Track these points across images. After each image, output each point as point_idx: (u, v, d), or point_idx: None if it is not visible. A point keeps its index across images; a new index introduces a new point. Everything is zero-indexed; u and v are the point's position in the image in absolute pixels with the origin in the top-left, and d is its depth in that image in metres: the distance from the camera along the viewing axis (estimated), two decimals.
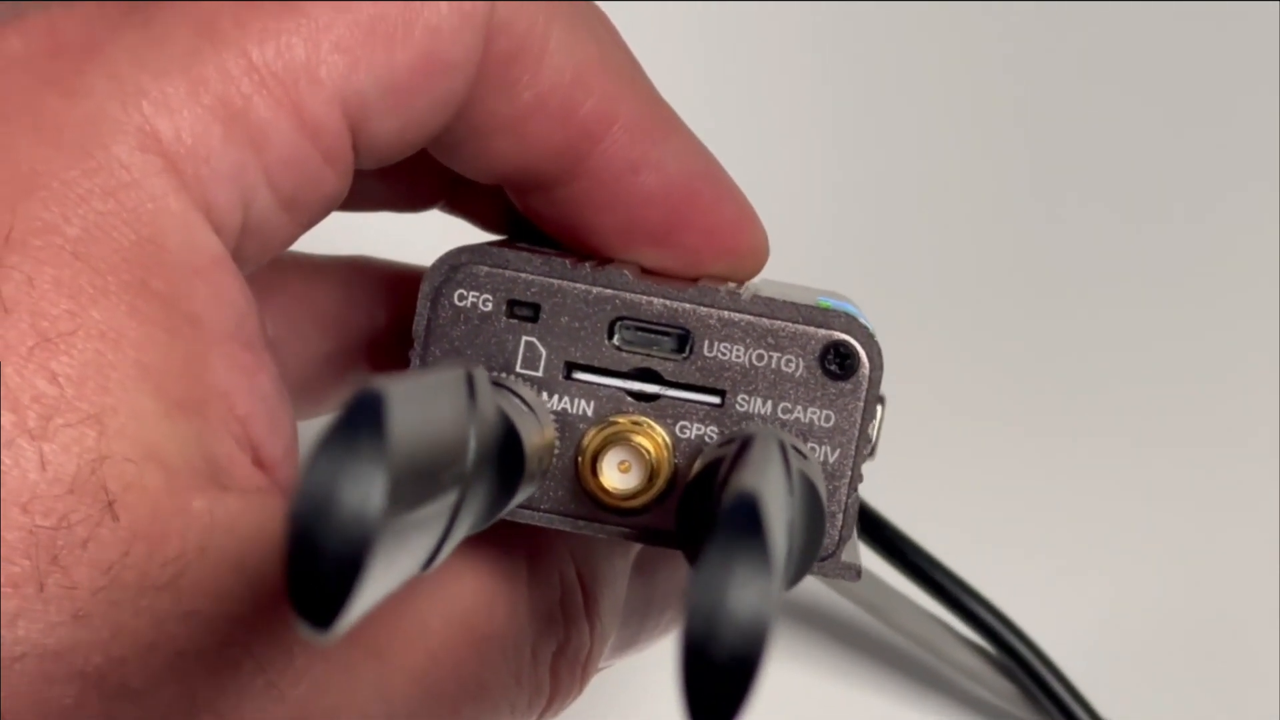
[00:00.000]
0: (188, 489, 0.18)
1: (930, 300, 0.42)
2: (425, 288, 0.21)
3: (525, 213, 0.23)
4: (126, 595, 0.17)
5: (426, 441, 0.14)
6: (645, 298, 0.21)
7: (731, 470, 0.17)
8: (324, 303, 0.26)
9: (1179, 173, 0.42)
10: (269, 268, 0.21)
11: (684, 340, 0.21)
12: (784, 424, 0.21)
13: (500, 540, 0.20)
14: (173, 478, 0.18)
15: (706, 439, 0.21)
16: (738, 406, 0.21)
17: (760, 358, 0.21)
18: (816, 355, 0.21)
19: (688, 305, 0.21)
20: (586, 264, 0.21)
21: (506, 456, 0.18)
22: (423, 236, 0.28)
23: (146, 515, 0.17)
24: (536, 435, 0.19)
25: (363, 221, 0.25)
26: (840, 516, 0.21)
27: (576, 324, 0.21)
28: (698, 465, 0.20)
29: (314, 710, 0.18)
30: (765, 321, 0.21)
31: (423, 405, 0.14)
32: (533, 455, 0.19)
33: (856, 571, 0.21)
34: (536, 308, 0.21)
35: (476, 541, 0.19)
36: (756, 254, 0.23)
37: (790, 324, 0.21)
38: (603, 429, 0.21)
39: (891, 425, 0.22)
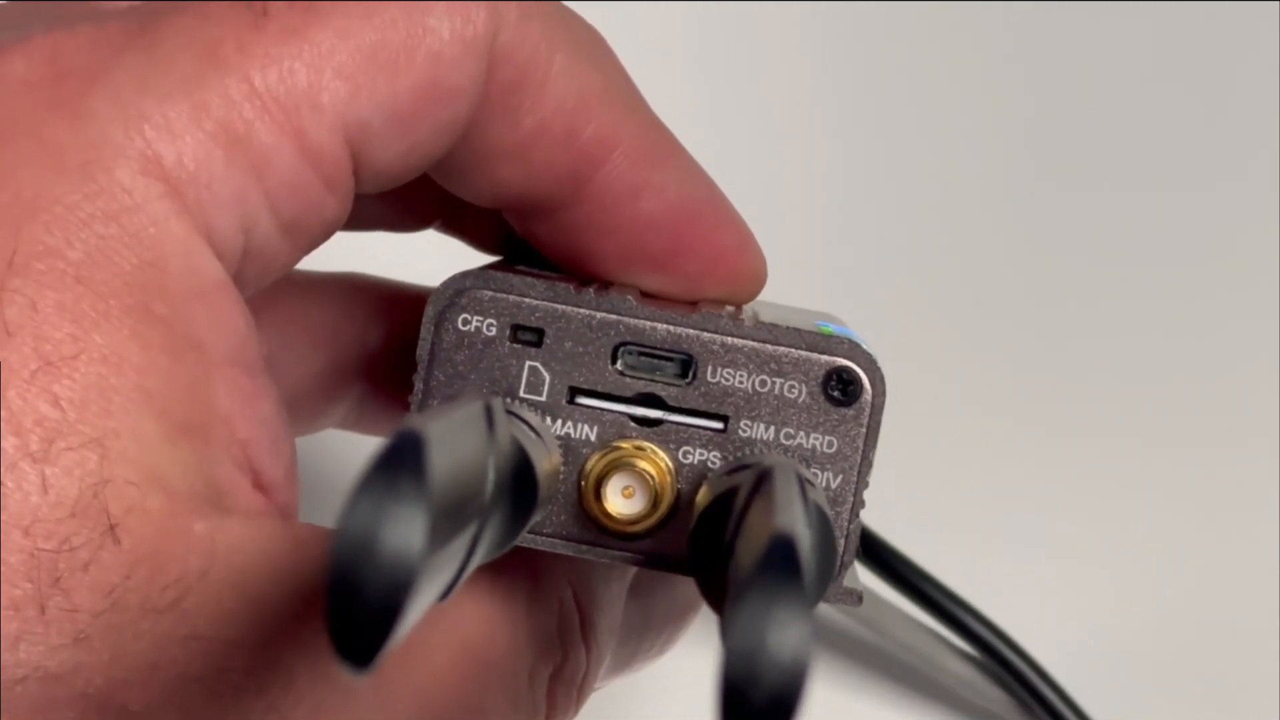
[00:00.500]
0: (189, 513, 0.18)
1: (927, 301, 0.42)
2: (429, 312, 0.21)
3: (525, 236, 0.23)
4: (128, 618, 0.17)
5: (457, 479, 0.14)
6: (649, 323, 0.21)
7: (750, 503, 0.17)
8: (318, 319, 0.27)
9: (1178, 172, 0.42)
10: None
11: (687, 365, 0.21)
12: (787, 450, 0.21)
13: (500, 566, 0.20)
14: (174, 501, 0.18)
15: (710, 464, 0.21)
16: (741, 432, 0.21)
17: (763, 383, 0.21)
18: (819, 381, 0.21)
19: (691, 331, 0.21)
20: (590, 289, 0.21)
21: (520, 485, 0.18)
22: (418, 256, 0.28)
23: (148, 538, 0.17)
24: (546, 462, 0.19)
25: (357, 240, 0.26)
26: (843, 542, 0.21)
27: (580, 349, 0.21)
28: (708, 494, 0.20)
29: None
30: (768, 347, 0.21)
31: (453, 443, 0.14)
32: (545, 482, 0.19)
33: (859, 597, 0.21)
34: (540, 332, 0.21)
35: (478, 568, 0.19)
36: (755, 278, 0.23)
37: (793, 350, 0.21)
38: (606, 454, 0.21)
39: (889, 425, 0.22)
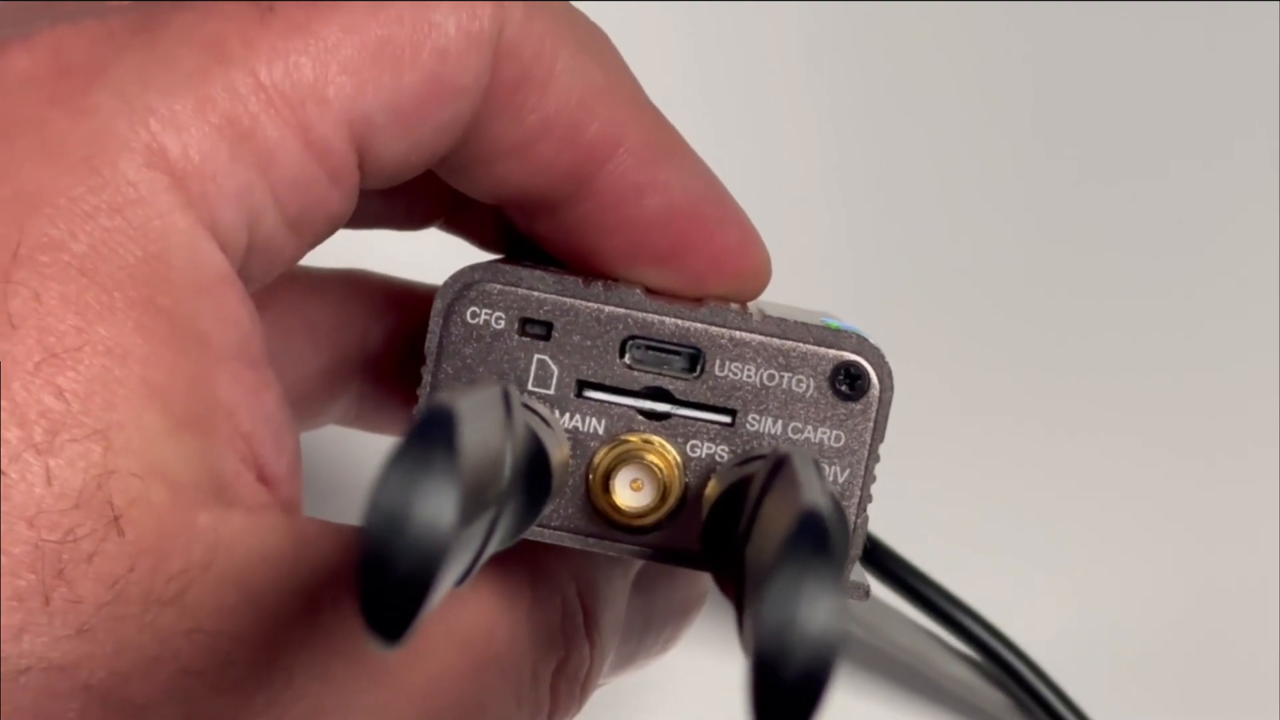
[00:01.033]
0: (193, 505, 0.18)
1: (925, 301, 0.41)
2: (437, 305, 0.21)
3: (528, 233, 0.23)
4: (131, 610, 0.17)
5: (481, 460, 0.14)
6: (657, 317, 0.21)
7: (767, 488, 0.17)
8: (319, 316, 0.27)
9: (1178, 173, 0.42)
10: None
11: (695, 359, 0.21)
12: (794, 444, 0.21)
13: (502, 562, 0.20)
14: (178, 494, 0.18)
15: (717, 458, 0.21)
16: (748, 426, 0.21)
17: (771, 378, 0.21)
18: (827, 376, 0.21)
19: (699, 325, 0.21)
20: (598, 283, 0.21)
21: (534, 474, 0.18)
22: (420, 254, 0.28)
23: (152, 531, 0.17)
24: (558, 452, 0.19)
25: (359, 238, 0.26)
26: (851, 535, 0.21)
27: (588, 342, 0.21)
28: (718, 487, 0.20)
29: None
30: (776, 341, 0.21)
31: (479, 423, 0.14)
32: (557, 472, 0.19)
33: (865, 591, 0.21)
34: (549, 326, 0.21)
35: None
36: (759, 276, 0.23)
37: (801, 344, 0.21)
38: (614, 447, 0.21)
39: (893, 426, 0.22)
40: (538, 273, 0.21)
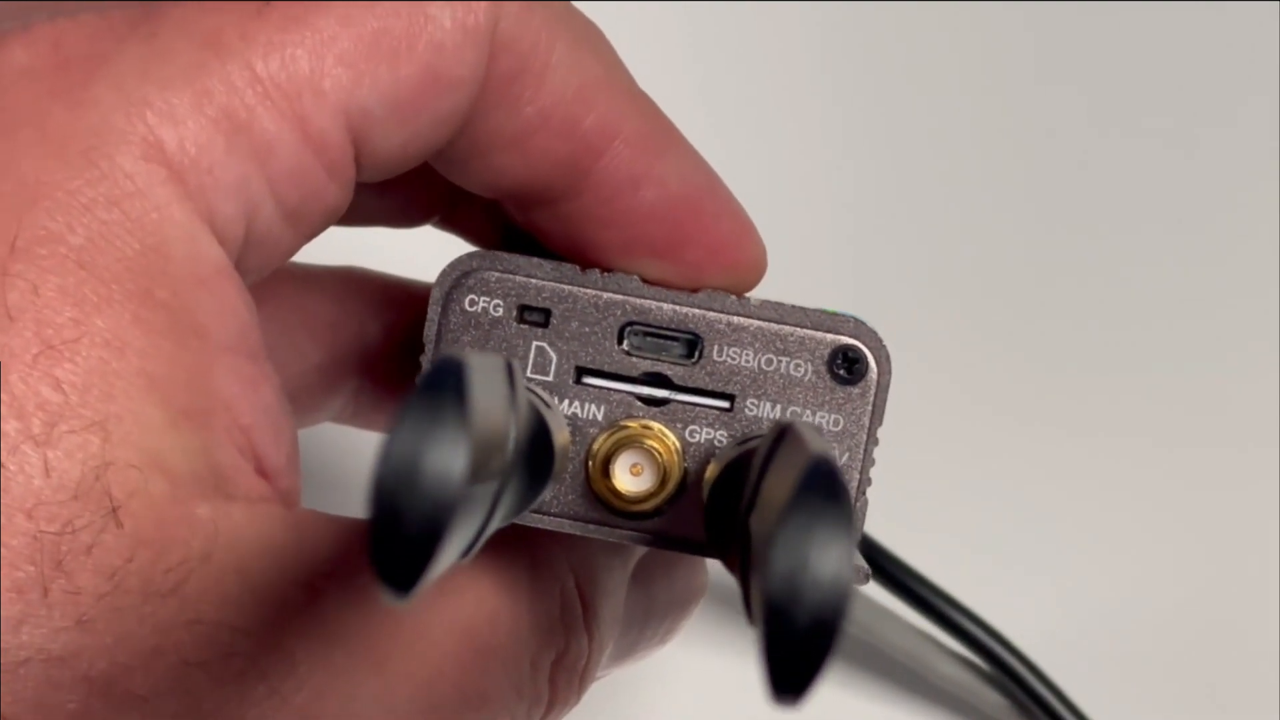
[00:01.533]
0: (192, 497, 0.18)
1: (923, 299, 0.41)
2: (436, 293, 0.21)
3: (525, 227, 0.23)
4: (130, 601, 0.17)
5: (490, 419, 0.14)
6: (655, 303, 0.21)
7: (771, 456, 0.17)
8: (317, 312, 0.27)
9: (1177, 174, 0.42)
10: None
11: (693, 345, 0.21)
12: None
13: (501, 552, 0.20)
14: (177, 485, 0.18)
15: (716, 443, 0.21)
16: (747, 411, 0.21)
17: (769, 362, 0.21)
18: (825, 360, 0.21)
19: (697, 310, 0.21)
20: (596, 270, 0.21)
21: (536, 451, 0.18)
22: (416, 251, 0.28)
23: (150, 522, 0.17)
24: (559, 434, 0.19)
25: (356, 235, 0.26)
26: None
27: (586, 329, 0.21)
28: (718, 467, 0.20)
29: (316, 718, 0.18)
30: (774, 326, 0.21)
31: (486, 381, 0.14)
32: (559, 455, 0.19)
33: (866, 574, 0.21)
34: (547, 313, 0.21)
35: (479, 553, 0.19)
36: (755, 267, 0.23)
37: (799, 329, 0.21)
38: (613, 433, 0.21)
39: (886, 424, 0.22)
40: (536, 260, 0.21)
